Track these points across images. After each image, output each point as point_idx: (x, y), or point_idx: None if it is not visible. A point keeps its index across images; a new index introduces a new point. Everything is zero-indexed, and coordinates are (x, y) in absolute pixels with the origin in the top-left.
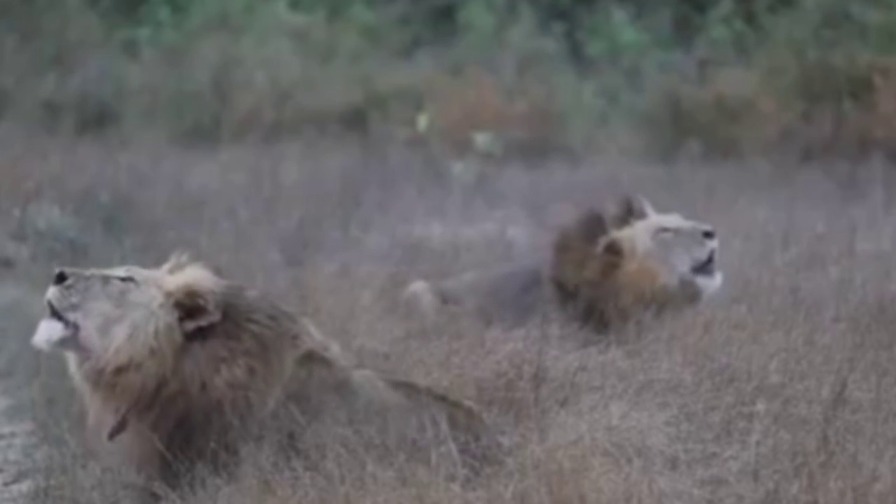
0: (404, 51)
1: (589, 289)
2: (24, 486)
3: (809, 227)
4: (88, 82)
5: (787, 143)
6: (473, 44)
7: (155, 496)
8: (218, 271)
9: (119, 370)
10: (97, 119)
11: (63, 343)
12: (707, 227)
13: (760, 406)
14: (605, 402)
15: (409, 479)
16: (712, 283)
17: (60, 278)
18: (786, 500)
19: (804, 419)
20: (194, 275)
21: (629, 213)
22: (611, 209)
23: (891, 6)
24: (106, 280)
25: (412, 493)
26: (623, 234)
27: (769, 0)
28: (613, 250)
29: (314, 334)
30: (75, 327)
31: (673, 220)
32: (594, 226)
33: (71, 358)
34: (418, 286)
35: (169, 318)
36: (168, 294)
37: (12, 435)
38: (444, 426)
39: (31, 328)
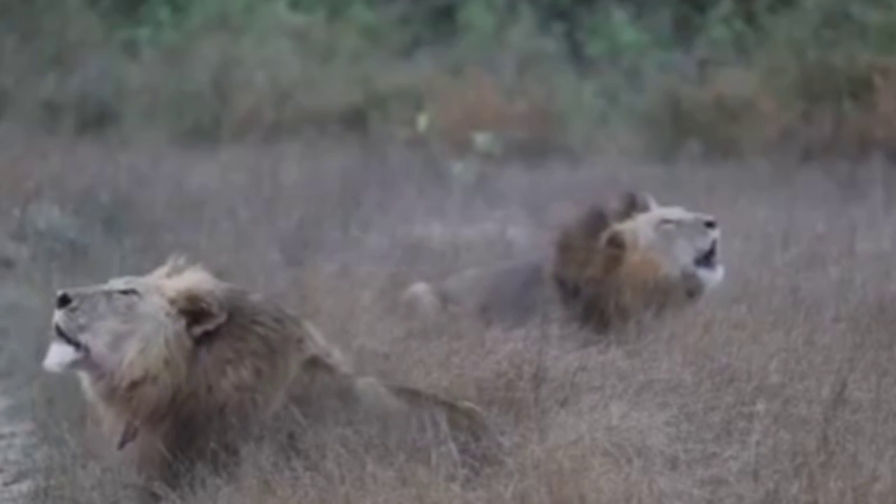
0: (404, 51)
1: (592, 286)
2: (24, 486)
3: (809, 227)
4: (88, 82)
5: (787, 143)
6: (473, 44)
7: (155, 496)
8: (219, 275)
9: (135, 384)
10: (97, 119)
11: (75, 365)
12: (709, 218)
13: (760, 406)
14: (605, 402)
15: (409, 479)
16: (714, 277)
17: (64, 301)
18: (786, 500)
19: (804, 419)
20: (194, 278)
21: (632, 208)
22: (613, 204)
23: (891, 6)
24: (109, 296)
25: (412, 493)
26: (625, 227)
27: (769, 0)
28: (616, 242)
29: (318, 339)
30: (86, 349)
31: (675, 212)
32: (596, 221)
33: (84, 376)
34: (419, 287)
35: (177, 325)
36: (172, 301)
37: (12, 435)
38: (445, 426)
39: (32, 328)
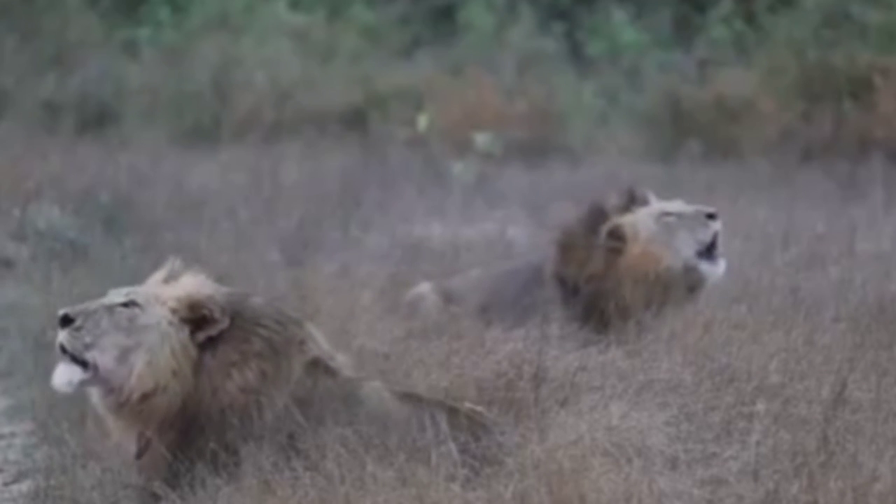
0: (404, 51)
1: (593, 282)
2: (24, 486)
3: (809, 227)
4: (88, 82)
5: (787, 143)
6: (473, 44)
7: (155, 496)
8: (219, 277)
9: (145, 397)
10: (97, 119)
11: (84, 384)
12: (710, 210)
13: (760, 406)
14: (605, 402)
15: (409, 479)
16: (716, 270)
17: (66, 321)
18: (786, 500)
19: (804, 419)
20: (192, 284)
21: (631, 202)
22: (613, 199)
23: (891, 6)
24: (111, 310)
25: (412, 493)
26: (625, 220)
27: (769, 0)
28: (616, 235)
29: (320, 341)
30: (94, 366)
31: (676, 204)
32: (596, 217)
33: (93, 391)
34: (423, 287)
35: (181, 334)
36: (173, 311)
37: (12, 435)
38: (445, 427)
39: (32, 328)
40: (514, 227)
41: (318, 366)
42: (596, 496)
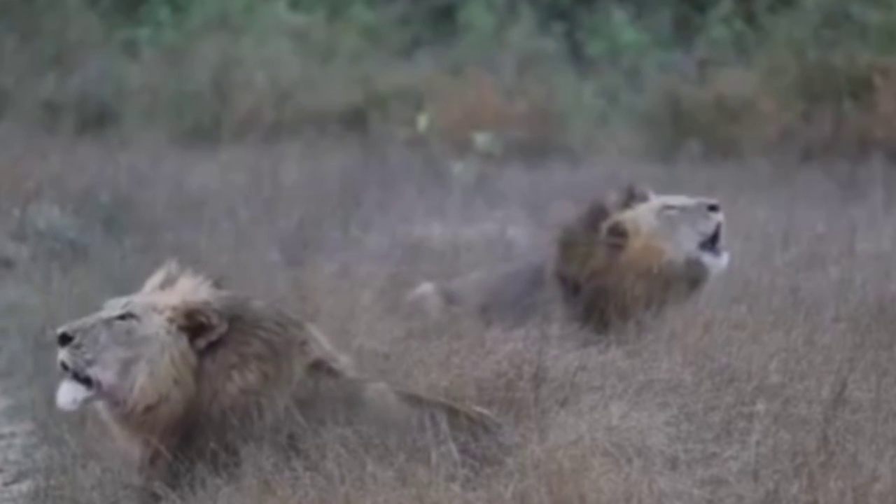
0: (404, 51)
1: (595, 279)
2: (24, 486)
3: (809, 227)
4: (88, 82)
5: (787, 143)
6: (473, 44)
7: (155, 496)
8: (218, 283)
9: (149, 408)
10: (97, 119)
11: (89, 401)
12: (712, 201)
13: (760, 406)
14: (605, 402)
15: (409, 479)
16: (719, 263)
17: (65, 339)
18: (786, 500)
19: (804, 419)
20: (188, 289)
21: (631, 199)
22: (612, 197)
23: (891, 6)
24: (109, 324)
25: (412, 493)
26: (626, 216)
27: (769, 0)
28: (617, 231)
29: (322, 343)
30: (97, 383)
31: (677, 198)
32: (597, 215)
33: (99, 404)
34: (425, 288)
35: (180, 343)
36: (170, 320)
37: (12, 435)
38: (445, 426)
39: (32, 328)
40: (514, 227)
41: (320, 367)
42: (596, 496)
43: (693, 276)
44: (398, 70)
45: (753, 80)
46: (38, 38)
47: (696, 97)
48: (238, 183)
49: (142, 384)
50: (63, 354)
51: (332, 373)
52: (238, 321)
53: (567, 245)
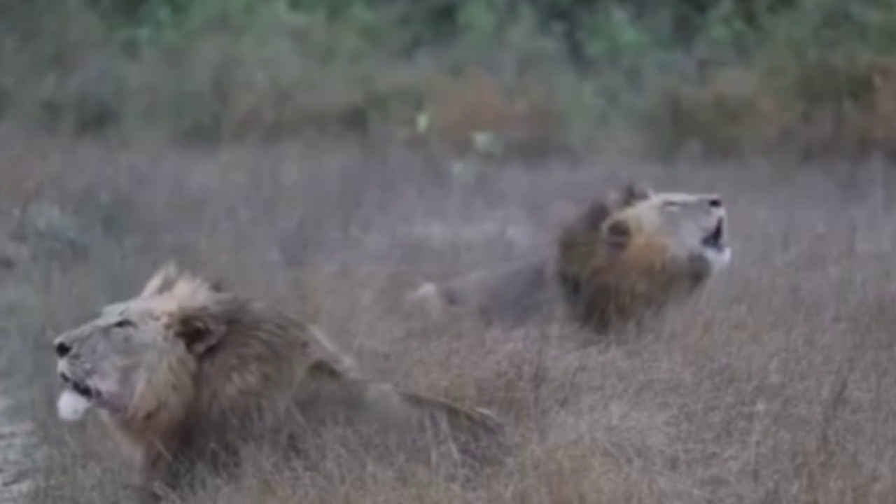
0: (404, 51)
1: (597, 278)
2: (24, 486)
3: (809, 227)
4: (88, 82)
5: (787, 143)
6: (473, 44)
7: (155, 496)
8: (218, 286)
9: (149, 415)
10: (97, 119)
11: (90, 410)
12: (714, 196)
13: (760, 406)
14: (605, 402)
15: (409, 479)
16: (722, 258)
17: (63, 349)
18: (786, 500)
19: (804, 419)
20: (185, 294)
21: (631, 197)
22: (612, 195)
23: (891, 6)
24: (106, 332)
25: (412, 493)
26: (627, 214)
27: (769, 0)
28: (619, 230)
29: (324, 344)
30: (97, 392)
31: (678, 195)
32: (598, 214)
33: (101, 413)
34: (427, 289)
35: (177, 349)
36: (167, 326)
37: (12, 435)
38: (445, 426)
39: (32, 328)
40: (514, 227)
41: (321, 369)
42: (596, 496)
43: (696, 272)
44: (398, 70)
45: (753, 80)
46: (38, 38)
47: (696, 97)
48: (238, 183)
49: (141, 392)
50: (62, 365)
51: (334, 374)
52: (237, 323)
53: (568, 245)
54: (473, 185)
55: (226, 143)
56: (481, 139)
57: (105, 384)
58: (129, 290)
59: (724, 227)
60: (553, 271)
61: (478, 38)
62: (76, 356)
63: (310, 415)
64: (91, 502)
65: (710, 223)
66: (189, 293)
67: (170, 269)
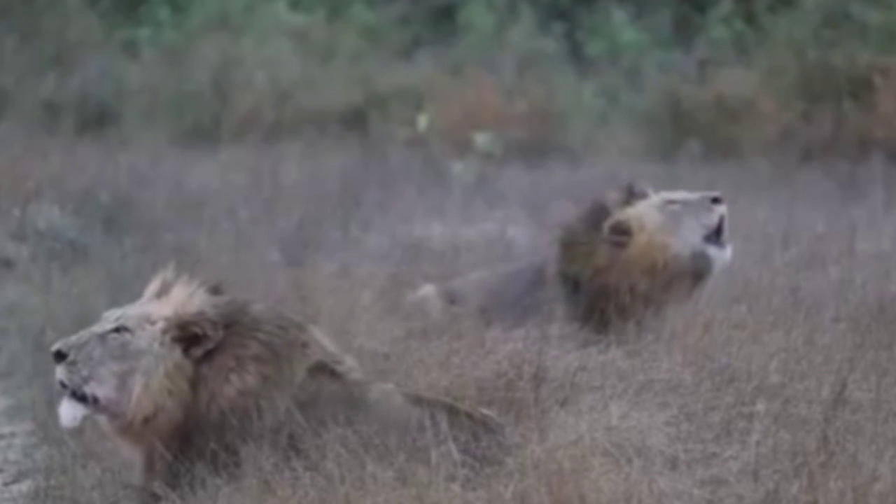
0: (404, 51)
1: (598, 277)
2: (24, 486)
3: (809, 227)
4: (88, 82)
5: (787, 143)
6: (473, 44)
7: (155, 496)
8: (217, 288)
9: (147, 420)
10: (97, 119)
11: (89, 417)
12: (715, 194)
13: (760, 406)
14: (605, 402)
15: (409, 479)
16: (723, 256)
17: (60, 356)
18: (786, 500)
19: (804, 419)
20: (181, 298)
21: (631, 196)
22: (612, 195)
23: (891, 6)
24: (102, 339)
25: (412, 493)
26: (629, 213)
27: (769, 0)
28: (620, 229)
29: (325, 345)
30: (95, 398)
31: (679, 193)
32: (598, 214)
33: (100, 418)
34: (427, 290)
35: (174, 354)
36: (163, 331)
37: (12, 435)
38: (445, 426)
39: (32, 328)
40: (514, 227)
41: (322, 369)
42: (596, 496)
43: (698, 270)
44: (398, 70)
45: (753, 80)
46: (38, 38)
47: (696, 97)
48: (238, 183)
49: (138, 397)
50: (60, 372)
51: (334, 375)
52: (236, 326)
53: (569, 245)
54: (473, 185)
55: (226, 143)
56: (481, 139)
57: (102, 390)
58: (129, 290)
59: (726, 224)
60: (554, 271)
61: (478, 38)
62: (73, 363)
63: (310, 415)
64: (91, 502)
65: (712, 220)
66: (186, 297)
67: (167, 272)
